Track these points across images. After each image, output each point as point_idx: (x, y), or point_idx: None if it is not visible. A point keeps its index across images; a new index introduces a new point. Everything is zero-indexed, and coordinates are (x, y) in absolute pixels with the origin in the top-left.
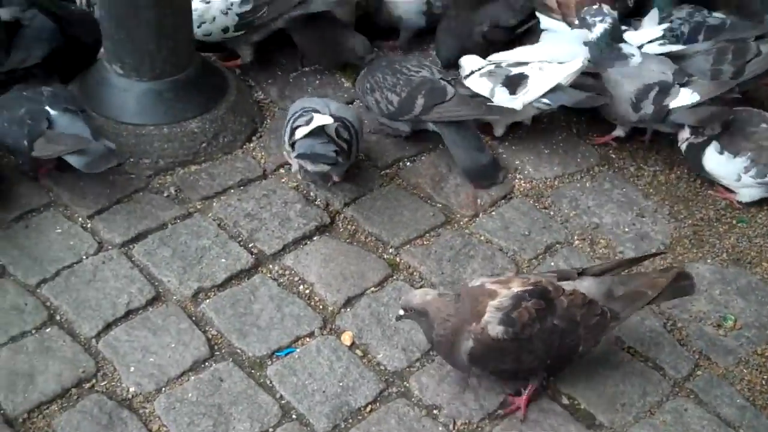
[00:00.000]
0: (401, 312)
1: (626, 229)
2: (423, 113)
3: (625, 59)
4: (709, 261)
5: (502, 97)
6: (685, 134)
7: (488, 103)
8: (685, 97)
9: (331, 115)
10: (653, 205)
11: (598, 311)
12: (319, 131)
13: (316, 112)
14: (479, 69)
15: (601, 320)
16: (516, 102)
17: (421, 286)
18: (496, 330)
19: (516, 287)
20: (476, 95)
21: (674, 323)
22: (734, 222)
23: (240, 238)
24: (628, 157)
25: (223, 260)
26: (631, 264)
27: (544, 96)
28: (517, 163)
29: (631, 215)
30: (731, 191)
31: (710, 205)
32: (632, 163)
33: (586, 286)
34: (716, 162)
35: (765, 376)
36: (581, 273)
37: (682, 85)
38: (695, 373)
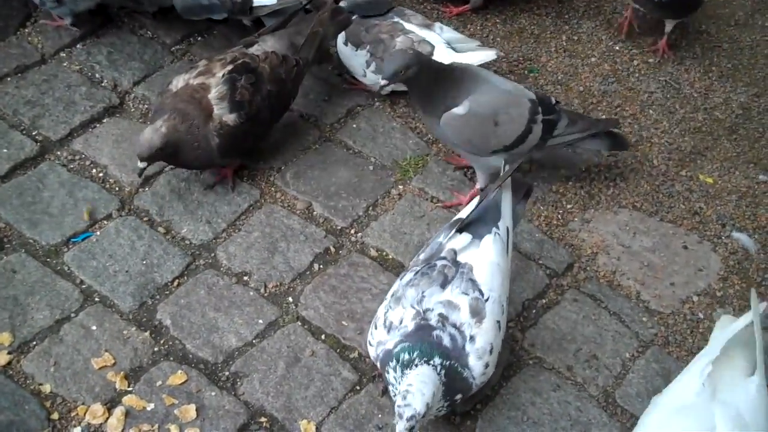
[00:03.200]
0: (142, 165)
1: None
2: None
3: None
4: None
5: None
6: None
7: None
8: None
9: None
10: None
11: (293, 63)
12: None
13: None
14: None
15: (299, 70)
16: None
17: None
18: (230, 118)
19: (220, 72)
20: None
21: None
22: (526, 72)
23: (22, 126)
24: None
25: (5, 150)
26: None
27: None
28: None
29: None
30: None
31: (503, 60)
32: None
33: (271, 45)
34: (344, 53)
35: (560, 211)
36: (258, 35)
37: None
38: None
